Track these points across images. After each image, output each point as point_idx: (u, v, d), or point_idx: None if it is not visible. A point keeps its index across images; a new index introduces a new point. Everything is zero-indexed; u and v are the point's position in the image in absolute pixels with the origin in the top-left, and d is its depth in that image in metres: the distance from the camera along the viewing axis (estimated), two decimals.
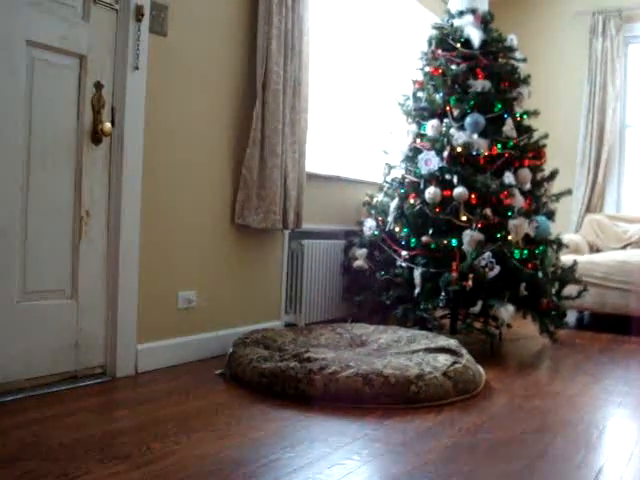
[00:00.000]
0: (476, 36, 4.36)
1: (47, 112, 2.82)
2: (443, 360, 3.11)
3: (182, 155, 3.41)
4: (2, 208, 2.67)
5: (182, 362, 3.44)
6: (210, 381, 3.13)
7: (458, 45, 4.45)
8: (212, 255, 3.64)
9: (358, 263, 4.44)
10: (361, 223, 4.65)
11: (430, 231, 4.10)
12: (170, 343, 3.37)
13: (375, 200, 4.63)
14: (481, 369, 3.33)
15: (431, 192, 4.05)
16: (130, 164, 3.11)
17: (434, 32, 4.61)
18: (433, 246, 4.07)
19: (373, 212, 4.55)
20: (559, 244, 4.43)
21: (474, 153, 4.15)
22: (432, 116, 4.41)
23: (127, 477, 1.94)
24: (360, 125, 5.21)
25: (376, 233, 4.43)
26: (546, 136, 4.46)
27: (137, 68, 3.10)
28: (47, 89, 2.82)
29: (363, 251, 4.45)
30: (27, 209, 2.77)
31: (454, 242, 3.97)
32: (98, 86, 3.00)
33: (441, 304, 4.03)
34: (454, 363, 3.10)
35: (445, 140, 4.17)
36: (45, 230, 2.84)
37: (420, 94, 4.58)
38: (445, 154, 4.14)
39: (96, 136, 3.00)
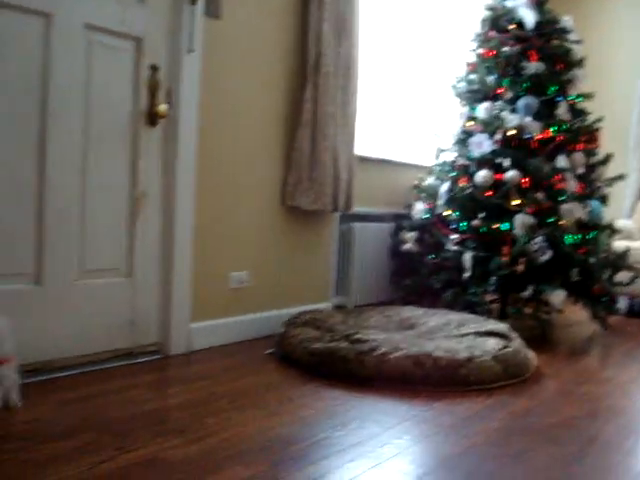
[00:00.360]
0: (530, 17, 4.29)
1: (104, 95, 2.88)
2: (493, 344, 3.10)
3: (235, 137, 3.44)
4: (61, 190, 2.75)
5: (233, 341, 3.50)
6: (260, 360, 3.18)
7: (512, 26, 4.38)
8: (263, 236, 3.68)
9: (407, 246, 4.44)
10: (410, 206, 4.64)
11: (481, 215, 4.08)
12: (222, 322, 3.43)
13: (425, 183, 4.61)
14: (531, 354, 3.31)
15: (482, 175, 4.03)
16: (184, 145, 3.15)
17: (487, 13, 4.54)
18: (483, 230, 4.05)
19: (423, 195, 4.53)
20: (612, 229, 4.35)
21: (527, 136, 4.10)
22: (484, 98, 4.37)
23: (183, 451, 2.00)
24: (411, 108, 5.19)
25: (426, 216, 4.43)
26: (600, 119, 4.39)
27: (192, 50, 3.14)
28: (104, 72, 2.87)
29: (412, 234, 4.45)
30: (85, 190, 2.84)
31: (505, 226, 3.95)
32: (154, 68, 3.05)
33: (491, 288, 4.01)
34: (504, 347, 3.09)
35: (497, 123, 4.14)
36: (102, 211, 2.91)
37: (472, 76, 4.53)
38: (497, 137, 4.11)
39: (152, 118, 3.06)
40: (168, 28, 3.11)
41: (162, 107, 3.03)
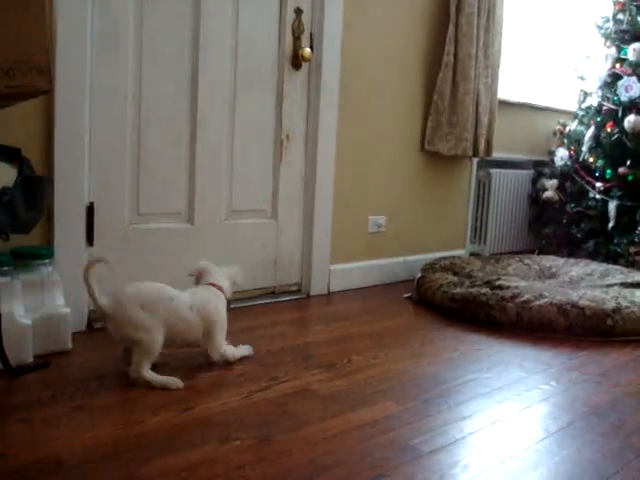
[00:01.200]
0: None
1: (251, 38, 2.93)
2: None
3: (375, 81, 3.43)
4: (213, 131, 2.84)
5: (370, 284, 3.55)
6: (398, 303, 3.21)
7: None
8: (401, 181, 3.67)
9: (548, 194, 4.32)
10: (551, 153, 4.50)
11: (628, 162, 3.91)
12: (360, 265, 3.47)
13: (568, 129, 4.45)
14: None
15: (631, 120, 3.84)
16: (327, 89, 3.17)
17: None
18: (631, 178, 3.88)
19: (565, 141, 4.38)
20: None
21: None
22: (634, 39, 4.14)
23: (333, 384, 2.06)
24: (554, 49, 4.97)
25: (568, 164, 4.28)
26: None
27: None
28: (251, 15, 2.92)
29: (553, 182, 4.32)
30: (234, 132, 2.92)
31: None
32: (298, 12, 3.06)
33: (636, 239, 3.85)
34: None
35: None
36: (249, 152, 2.99)
37: (621, 16, 4.30)
38: None
39: (296, 61, 3.09)
40: None
41: (306, 50, 3.05)
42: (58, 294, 2.22)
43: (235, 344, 2.24)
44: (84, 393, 1.88)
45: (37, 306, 2.14)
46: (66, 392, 1.88)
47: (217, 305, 2.14)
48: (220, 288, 2.21)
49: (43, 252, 2.21)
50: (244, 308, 2.92)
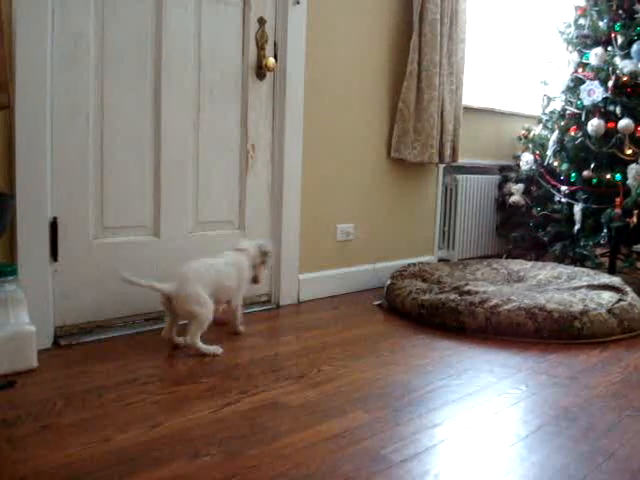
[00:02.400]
0: None
1: (215, 48, 2.92)
2: (608, 297, 3.02)
3: (341, 89, 3.43)
4: (178, 143, 2.82)
5: (340, 293, 3.55)
6: (369, 311, 3.21)
7: None
8: (369, 189, 3.67)
9: (514, 198, 4.35)
10: (517, 157, 4.54)
11: (592, 165, 3.95)
12: (329, 274, 3.47)
13: (532, 133, 4.49)
14: None
15: (594, 124, 3.88)
16: (293, 98, 3.17)
17: None
18: (595, 181, 3.92)
19: (530, 146, 4.42)
20: None
21: None
22: (596, 44, 4.18)
23: (303, 395, 2.05)
24: (517, 55, 5.02)
25: (533, 168, 4.32)
26: None
27: (298, 2, 3.13)
28: (214, 25, 2.91)
29: (519, 186, 4.35)
30: (198, 143, 2.91)
31: (618, 177, 3.80)
32: (261, 21, 3.06)
33: (602, 241, 3.89)
34: (619, 300, 3.00)
35: (610, 69, 3.96)
36: (214, 163, 2.97)
37: (582, 21, 4.34)
38: (610, 84, 3.94)
39: (260, 71, 3.08)
40: None
41: (270, 60, 3.04)
42: (22, 311, 2.18)
43: (202, 357, 2.21)
44: (50, 412, 1.85)
45: (1, 324, 2.11)
46: (32, 411, 1.84)
47: (242, 266, 2.64)
48: (245, 251, 2.68)
49: (6, 269, 2.18)
50: (213, 319, 2.89)
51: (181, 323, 2.48)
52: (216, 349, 2.43)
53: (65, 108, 2.44)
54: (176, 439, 1.70)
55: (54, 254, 2.46)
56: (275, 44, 3.13)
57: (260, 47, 3.07)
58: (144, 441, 1.68)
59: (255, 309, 3.12)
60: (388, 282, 3.38)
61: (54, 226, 2.44)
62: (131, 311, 2.74)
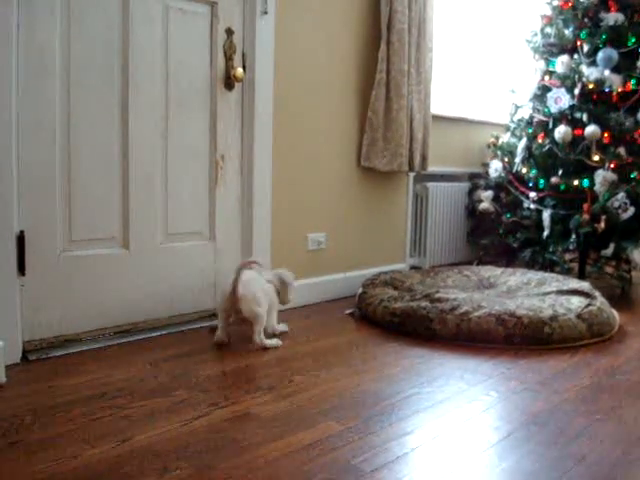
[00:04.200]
0: None
1: (182, 59, 2.91)
2: (577, 302, 3.05)
3: (310, 99, 3.44)
4: (146, 154, 2.80)
5: (312, 302, 3.54)
6: (341, 320, 3.21)
7: None
8: (339, 198, 3.68)
9: (483, 205, 4.39)
10: (486, 165, 4.58)
11: (560, 172, 4.00)
12: (301, 283, 3.46)
13: (501, 141, 4.54)
14: (615, 312, 3.25)
15: (561, 131, 3.93)
16: (262, 108, 3.17)
17: None
18: (563, 187, 3.97)
19: (499, 153, 4.46)
20: None
21: (606, 90, 3.97)
22: (562, 52, 4.25)
23: (274, 407, 2.04)
24: (485, 64, 5.08)
25: (502, 175, 4.36)
26: None
27: (265, 13, 3.13)
28: (181, 37, 2.90)
29: (489, 193, 4.39)
30: (167, 154, 2.89)
31: (585, 183, 3.86)
32: (229, 32, 3.06)
33: (571, 247, 3.94)
34: (588, 305, 3.04)
35: (576, 77, 4.02)
36: (183, 174, 2.96)
37: (548, 29, 4.40)
38: (576, 91, 4.00)
39: (229, 82, 3.08)
40: None
41: (238, 70, 3.04)
42: None
43: (172, 369, 2.20)
44: (19, 428, 1.82)
45: None
46: (0, 428, 1.82)
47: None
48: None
49: None
50: (184, 332, 2.88)
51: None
52: (277, 342, 2.72)
53: (31, 122, 2.42)
54: (146, 454, 1.68)
55: (21, 268, 2.43)
56: (243, 54, 3.13)
57: (228, 58, 3.06)
58: (114, 456, 1.66)
59: None
60: (360, 290, 3.39)
61: (21, 240, 2.41)
62: (100, 324, 2.71)
